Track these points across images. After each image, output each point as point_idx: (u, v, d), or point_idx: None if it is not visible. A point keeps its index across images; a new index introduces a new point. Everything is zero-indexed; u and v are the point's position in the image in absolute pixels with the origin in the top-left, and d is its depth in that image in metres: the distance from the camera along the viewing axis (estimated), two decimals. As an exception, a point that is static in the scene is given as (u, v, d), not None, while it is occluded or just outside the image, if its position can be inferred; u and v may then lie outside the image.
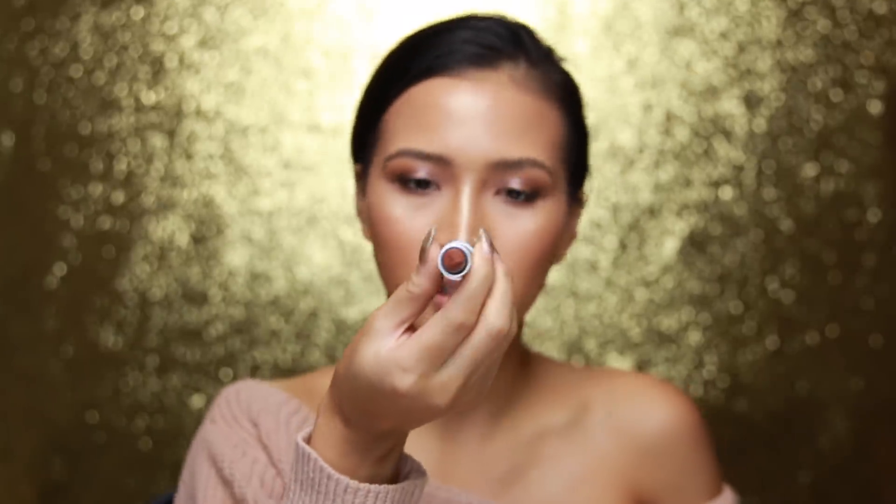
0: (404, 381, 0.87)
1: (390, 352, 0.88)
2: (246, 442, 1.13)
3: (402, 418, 0.90)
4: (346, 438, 0.92)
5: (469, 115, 1.08)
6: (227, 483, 1.11)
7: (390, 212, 1.10)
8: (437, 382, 0.88)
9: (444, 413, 0.89)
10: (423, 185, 1.09)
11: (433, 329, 0.87)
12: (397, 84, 1.13)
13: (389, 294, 1.13)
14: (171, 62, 1.99)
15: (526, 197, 1.09)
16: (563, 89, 1.15)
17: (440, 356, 0.87)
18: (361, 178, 1.18)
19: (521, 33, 1.15)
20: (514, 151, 1.08)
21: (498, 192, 1.09)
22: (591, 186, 2.00)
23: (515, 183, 1.09)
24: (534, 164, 1.09)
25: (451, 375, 0.88)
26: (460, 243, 0.88)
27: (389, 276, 1.12)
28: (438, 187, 1.09)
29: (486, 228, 1.02)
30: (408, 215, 1.09)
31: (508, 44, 1.13)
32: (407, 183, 1.10)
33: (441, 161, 1.08)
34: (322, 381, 1.21)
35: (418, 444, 1.15)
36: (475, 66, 1.11)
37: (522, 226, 1.09)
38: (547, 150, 1.11)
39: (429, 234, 0.89)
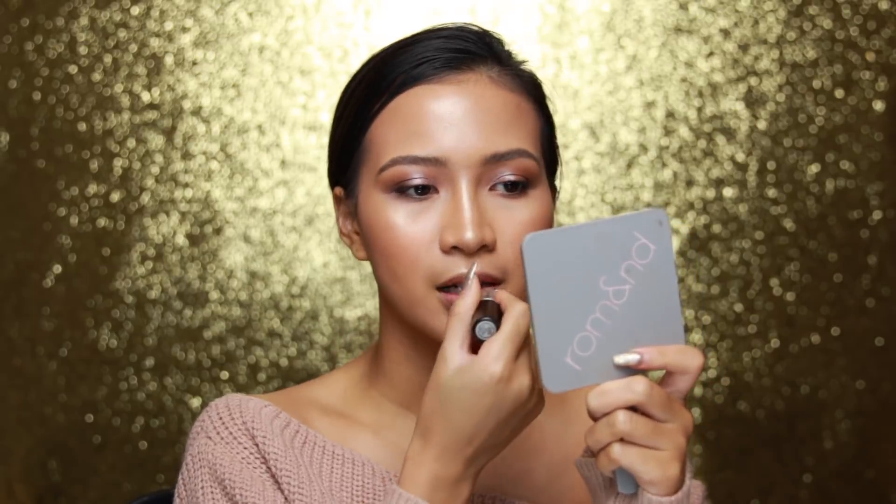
0: (497, 365, 1.02)
1: (471, 356, 1.03)
2: (249, 462, 1.15)
3: (497, 414, 1.03)
4: (435, 475, 1.04)
5: (456, 116, 1.13)
6: None
7: (391, 220, 1.13)
8: (521, 363, 1.03)
9: (532, 401, 1.04)
10: (420, 191, 1.13)
11: (510, 322, 1.03)
12: (378, 98, 1.16)
13: (388, 302, 1.15)
14: (168, 61, 1.99)
15: (520, 188, 1.14)
16: (532, 85, 1.19)
17: (518, 341, 1.03)
18: (345, 200, 1.19)
19: (487, 38, 1.19)
20: (504, 144, 1.13)
21: (492, 188, 1.13)
22: (592, 186, 2.00)
23: (508, 174, 1.13)
24: (523, 154, 1.14)
25: (524, 359, 1.04)
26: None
27: (394, 286, 1.13)
28: (436, 191, 1.13)
29: (487, 222, 1.10)
30: (409, 222, 1.12)
31: (479, 47, 1.17)
32: (405, 191, 1.13)
33: (436, 163, 1.12)
34: (306, 393, 1.22)
35: (407, 438, 1.15)
36: (453, 69, 1.15)
37: (519, 216, 1.13)
38: (531, 141, 1.15)
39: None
